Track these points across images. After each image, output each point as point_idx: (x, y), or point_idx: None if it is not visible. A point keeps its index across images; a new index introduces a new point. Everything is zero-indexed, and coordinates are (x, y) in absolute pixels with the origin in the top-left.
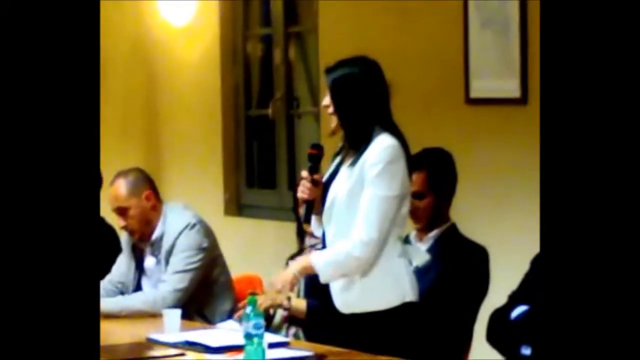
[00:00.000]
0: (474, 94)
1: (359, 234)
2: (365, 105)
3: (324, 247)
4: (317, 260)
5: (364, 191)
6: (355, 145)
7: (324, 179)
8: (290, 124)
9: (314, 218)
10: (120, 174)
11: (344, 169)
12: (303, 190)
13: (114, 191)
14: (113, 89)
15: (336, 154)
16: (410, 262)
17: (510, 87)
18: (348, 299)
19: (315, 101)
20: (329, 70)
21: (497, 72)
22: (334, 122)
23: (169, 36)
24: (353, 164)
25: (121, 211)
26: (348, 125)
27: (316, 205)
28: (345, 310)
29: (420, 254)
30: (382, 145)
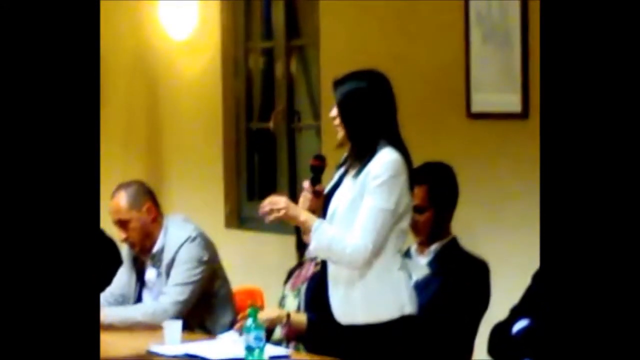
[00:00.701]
0: (475, 108)
1: (354, 239)
2: (371, 119)
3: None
4: (317, 227)
5: (364, 200)
6: (360, 157)
7: (327, 189)
8: (291, 137)
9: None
10: (121, 187)
11: (347, 180)
12: (304, 201)
13: (115, 204)
14: (115, 101)
15: (340, 165)
16: (410, 276)
17: (512, 102)
18: (347, 310)
19: (317, 114)
20: (337, 83)
21: (498, 87)
22: (340, 133)
23: (170, 49)
24: (356, 175)
25: (122, 224)
26: (354, 138)
27: (317, 216)
28: (344, 321)
29: (419, 267)
30: (386, 158)
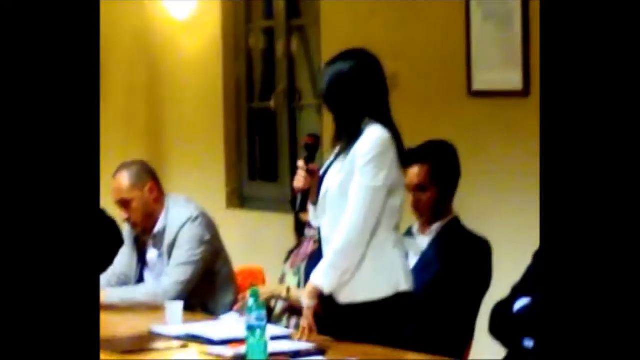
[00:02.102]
0: (477, 86)
1: (344, 222)
2: (354, 99)
3: (319, 237)
4: (316, 277)
5: (353, 180)
6: (346, 137)
7: (323, 169)
8: (292, 116)
9: (311, 208)
10: (123, 166)
11: (338, 161)
12: (298, 180)
13: (117, 183)
14: (115, 82)
15: (334, 145)
16: (406, 254)
17: (513, 80)
18: (344, 289)
19: (317, 93)
20: (326, 64)
21: (499, 65)
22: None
23: (171, 29)
24: (345, 155)
25: (124, 203)
26: (338, 119)
27: (312, 195)
28: (341, 299)
29: (414, 244)
30: (372, 136)
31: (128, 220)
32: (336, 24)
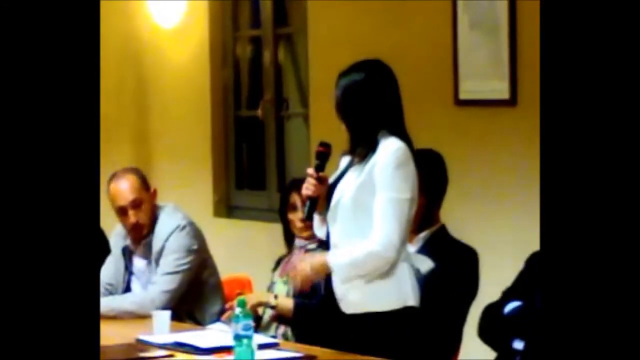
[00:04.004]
0: (463, 95)
1: (380, 235)
2: (369, 111)
3: (327, 247)
4: (334, 260)
5: (377, 195)
6: (361, 148)
7: (332, 178)
8: (279, 125)
9: (316, 218)
10: (126, 171)
11: (351, 171)
12: (308, 187)
13: (128, 184)
14: (103, 89)
15: (344, 154)
16: (413, 268)
17: (499, 89)
18: (350, 300)
19: (305, 102)
20: (339, 77)
21: (486, 74)
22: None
23: (158, 38)
24: (361, 164)
25: (136, 204)
26: (353, 131)
27: (320, 203)
28: (347, 310)
29: (424, 261)
30: (392, 148)
31: (135, 223)
32: (323, 32)
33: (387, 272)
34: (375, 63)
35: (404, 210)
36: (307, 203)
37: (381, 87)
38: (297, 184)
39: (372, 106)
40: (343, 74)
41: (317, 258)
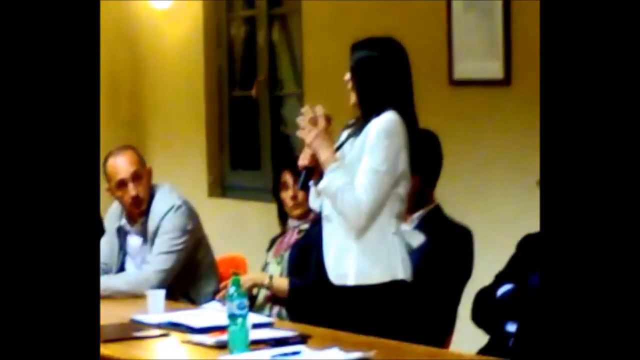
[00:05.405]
0: (458, 75)
1: (356, 195)
2: (381, 87)
3: (320, 220)
4: (333, 170)
5: (362, 161)
6: (366, 122)
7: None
8: (273, 105)
9: (312, 188)
10: (124, 147)
11: (349, 142)
12: (304, 157)
13: (127, 158)
14: None
15: (346, 126)
16: (405, 242)
17: (494, 69)
18: (340, 271)
19: (299, 82)
20: (353, 48)
21: (480, 54)
22: (353, 97)
23: (152, 18)
24: (356, 135)
25: (136, 176)
26: (364, 104)
27: (316, 173)
28: (337, 281)
29: (416, 235)
30: (384, 118)
31: (136, 197)
32: (317, 12)
33: (378, 244)
34: (389, 40)
35: (379, 181)
36: (303, 172)
37: (394, 65)
38: (288, 162)
39: (384, 82)
40: (356, 47)
41: (328, 156)
